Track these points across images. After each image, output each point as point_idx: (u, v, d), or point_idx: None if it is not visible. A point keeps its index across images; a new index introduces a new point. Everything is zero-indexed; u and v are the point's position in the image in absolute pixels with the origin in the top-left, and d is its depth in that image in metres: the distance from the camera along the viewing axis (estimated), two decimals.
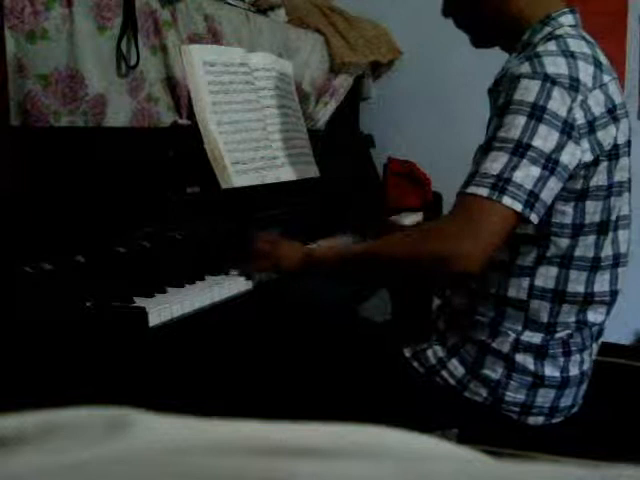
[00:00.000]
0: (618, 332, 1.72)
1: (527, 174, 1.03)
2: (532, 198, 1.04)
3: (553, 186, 1.06)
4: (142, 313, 1.00)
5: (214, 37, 1.67)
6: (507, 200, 1.03)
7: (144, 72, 1.47)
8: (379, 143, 2.53)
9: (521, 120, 1.05)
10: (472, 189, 1.05)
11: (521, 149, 1.04)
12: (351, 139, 2.46)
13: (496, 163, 1.05)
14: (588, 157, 1.08)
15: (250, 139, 1.65)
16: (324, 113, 2.25)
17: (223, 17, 1.72)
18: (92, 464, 0.22)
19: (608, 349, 1.38)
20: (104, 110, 1.36)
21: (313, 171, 1.91)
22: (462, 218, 1.07)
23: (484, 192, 1.04)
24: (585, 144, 1.08)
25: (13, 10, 1.15)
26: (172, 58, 1.53)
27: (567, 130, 1.05)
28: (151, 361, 1.00)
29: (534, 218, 1.05)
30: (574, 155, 1.07)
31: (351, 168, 2.28)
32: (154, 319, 1.02)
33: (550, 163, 1.04)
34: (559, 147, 1.05)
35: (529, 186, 1.03)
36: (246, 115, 1.65)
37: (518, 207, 1.03)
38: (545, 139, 1.04)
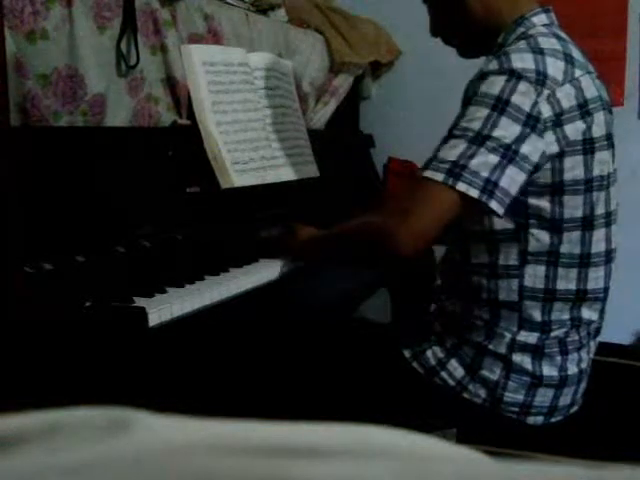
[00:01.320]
0: (618, 332, 1.72)
1: (484, 162, 1.04)
2: (489, 185, 1.04)
3: (513, 175, 1.06)
4: (142, 313, 1.00)
5: (214, 37, 1.67)
6: (462, 186, 1.04)
7: (144, 72, 1.47)
8: (379, 143, 2.53)
9: (484, 112, 1.06)
10: (428, 173, 1.07)
11: (480, 138, 1.05)
12: (351, 139, 2.46)
13: (454, 150, 1.06)
14: (554, 149, 1.09)
15: (250, 139, 1.65)
16: (324, 113, 2.25)
17: (223, 17, 1.72)
18: (92, 464, 0.22)
19: (608, 349, 1.39)
20: (104, 110, 1.36)
21: (313, 171, 1.91)
22: (412, 199, 1.09)
23: (439, 177, 1.05)
24: (550, 136, 1.08)
25: (13, 10, 1.15)
26: (172, 58, 1.53)
27: (530, 123, 1.06)
28: (151, 361, 1.00)
29: (496, 206, 1.05)
30: (536, 147, 1.07)
31: (351, 168, 2.28)
32: (154, 319, 1.02)
33: (509, 152, 1.05)
34: (519, 139, 1.05)
35: (485, 173, 1.04)
36: (246, 115, 1.65)
37: (474, 193, 1.04)
38: (505, 130, 1.05)
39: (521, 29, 1.17)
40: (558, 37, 1.16)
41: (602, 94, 1.16)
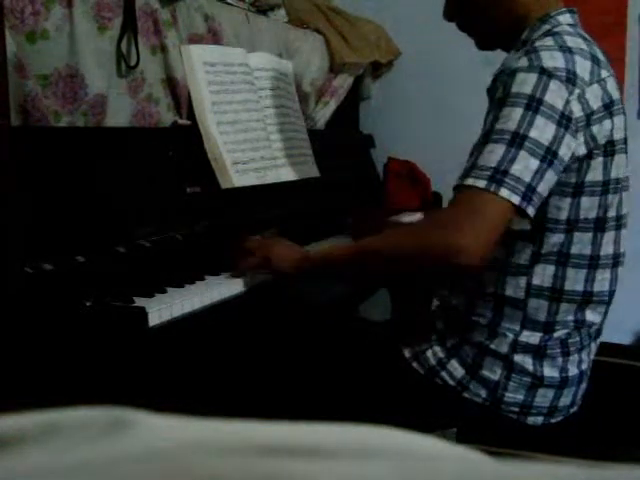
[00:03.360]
0: (618, 332, 1.72)
1: (526, 166, 1.03)
2: (530, 191, 1.03)
3: (550, 179, 1.06)
4: (142, 313, 1.00)
5: (214, 37, 1.67)
6: (504, 192, 1.02)
7: (144, 72, 1.47)
8: (379, 143, 2.53)
9: (518, 112, 1.05)
10: (470, 181, 1.04)
11: (518, 140, 1.04)
12: (351, 139, 2.46)
13: (494, 155, 1.04)
14: (582, 150, 1.08)
15: (250, 139, 1.65)
16: (324, 113, 2.25)
17: (223, 17, 1.72)
18: (92, 464, 0.22)
19: (608, 349, 1.38)
20: (104, 110, 1.36)
21: (313, 171, 1.91)
22: (462, 210, 1.05)
23: (482, 184, 1.03)
24: (581, 137, 1.08)
25: (13, 10, 1.15)
26: (172, 58, 1.53)
27: (564, 122, 1.05)
28: (151, 361, 1.00)
29: (531, 211, 1.04)
30: (570, 147, 1.07)
31: (351, 168, 2.28)
32: (154, 319, 1.02)
33: (549, 155, 1.04)
34: (556, 139, 1.05)
35: (527, 179, 1.03)
36: (246, 115, 1.65)
37: (516, 200, 1.02)
38: (542, 130, 1.04)
39: (546, 26, 1.17)
40: (583, 37, 1.15)
41: (620, 97, 1.17)
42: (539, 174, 1.04)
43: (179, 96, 1.55)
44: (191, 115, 1.55)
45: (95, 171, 1.23)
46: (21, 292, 0.95)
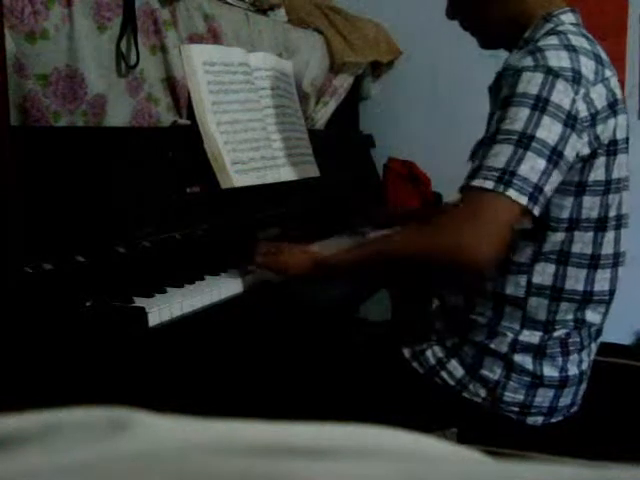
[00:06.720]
0: (618, 332, 1.72)
1: (532, 167, 1.03)
2: (537, 191, 1.03)
3: (555, 179, 1.06)
4: (142, 313, 1.00)
5: (214, 37, 1.67)
6: (513, 193, 1.02)
7: (144, 72, 1.47)
8: (379, 143, 2.53)
9: (525, 112, 1.04)
10: (478, 182, 1.04)
11: (525, 140, 1.04)
12: (351, 139, 2.46)
13: (501, 156, 1.04)
14: (586, 150, 1.09)
15: (250, 139, 1.65)
16: (324, 113, 2.25)
17: (223, 17, 1.72)
18: (92, 464, 0.22)
19: (608, 349, 1.38)
20: (104, 110, 1.36)
21: (313, 171, 1.91)
22: (469, 211, 1.06)
23: (490, 185, 1.03)
24: (585, 137, 1.08)
25: (13, 10, 1.15)
26: (172, 58, 1.53)
27: (570, 122, 1.05)
28: (151, 361, 1.00)
29: (537, 211, 1.04)
30: (574, 148, 1.07)
31: (351, 168, 2.28)
32: (154, 319, 1.02)
33: (555, 156, 1.04)
34: (562, 139, 1.05)
35: (534, 179, 1.03)
36: (246, 115, 1.65)
37: (523, 200, 1.02)
38: (549, 130, 1.04)
39: (550, 25, 1.17)
40: (586, 37, 1.16)
41: (622, 97, 1.17)
42: (546, 174, 1.04)
43: (179, 96, 1.55)
44: (191, 115, 1.55)
45: (95, 171, 1.23)
46: (21, 292, 0.95)
